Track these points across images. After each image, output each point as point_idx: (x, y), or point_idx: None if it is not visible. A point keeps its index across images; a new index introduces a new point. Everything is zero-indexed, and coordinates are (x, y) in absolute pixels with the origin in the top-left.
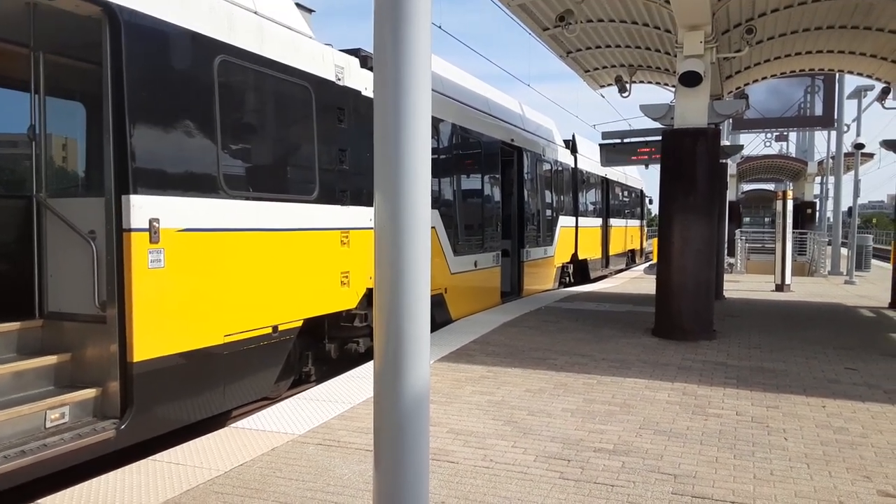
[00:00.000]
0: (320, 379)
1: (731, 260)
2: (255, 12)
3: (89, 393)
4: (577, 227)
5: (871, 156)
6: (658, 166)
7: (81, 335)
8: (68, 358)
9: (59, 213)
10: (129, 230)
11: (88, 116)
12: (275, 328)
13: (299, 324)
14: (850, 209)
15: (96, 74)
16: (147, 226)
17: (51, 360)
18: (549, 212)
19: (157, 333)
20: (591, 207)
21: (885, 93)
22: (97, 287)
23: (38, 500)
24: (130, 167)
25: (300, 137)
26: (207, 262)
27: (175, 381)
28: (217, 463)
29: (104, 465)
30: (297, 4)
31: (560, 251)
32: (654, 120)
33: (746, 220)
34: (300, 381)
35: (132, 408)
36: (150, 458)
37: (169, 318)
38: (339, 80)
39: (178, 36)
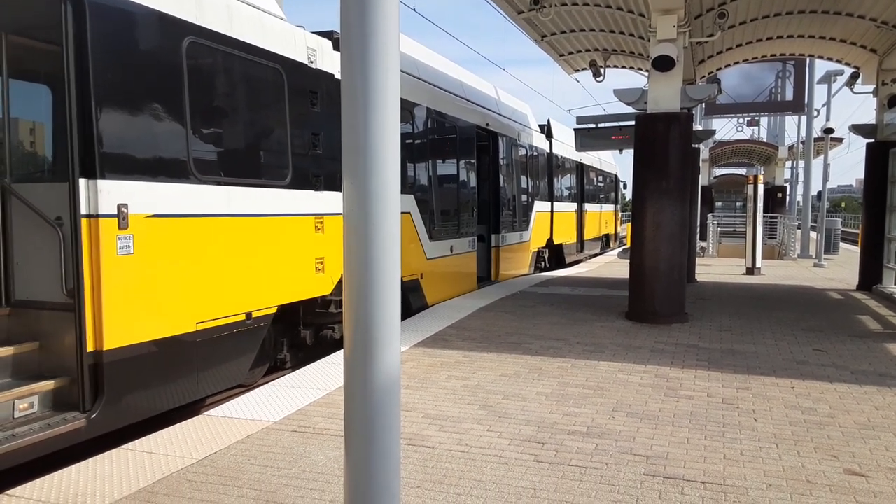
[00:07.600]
0: (296, 366)
1: (703, 244)
2: None
3: (58, 382)
4: (552, 211)
5: (840, 140)
6: (632, 151)
7: (49, 324)
8: (36, 347)
9: (25, 199)
10: (97, 216)
11: (55, 99)
12: (248, 315)
13: (273, 310)
14: (819, 193)
15: (62, 56)
16: (115, 211)
17: (18, 349)
18: (524, 197)
19: (127, 321)
20: (566, 192)
21: (854, 78)
22: (64, 274)
23: (8, 491)
24: (97, 151)
25: (272, 121)
26: (178, 248)
27: (146, 369)
28: (190, 451)
29: (75, 454)
30: None
31: (536, 236)
32: (628, 104)
33: (718, 204)
34: (275, 368)
35: (102, 397)
36: (122, 447)
37: (139, 305)
38: (311, 62)
39: (144, 16)
